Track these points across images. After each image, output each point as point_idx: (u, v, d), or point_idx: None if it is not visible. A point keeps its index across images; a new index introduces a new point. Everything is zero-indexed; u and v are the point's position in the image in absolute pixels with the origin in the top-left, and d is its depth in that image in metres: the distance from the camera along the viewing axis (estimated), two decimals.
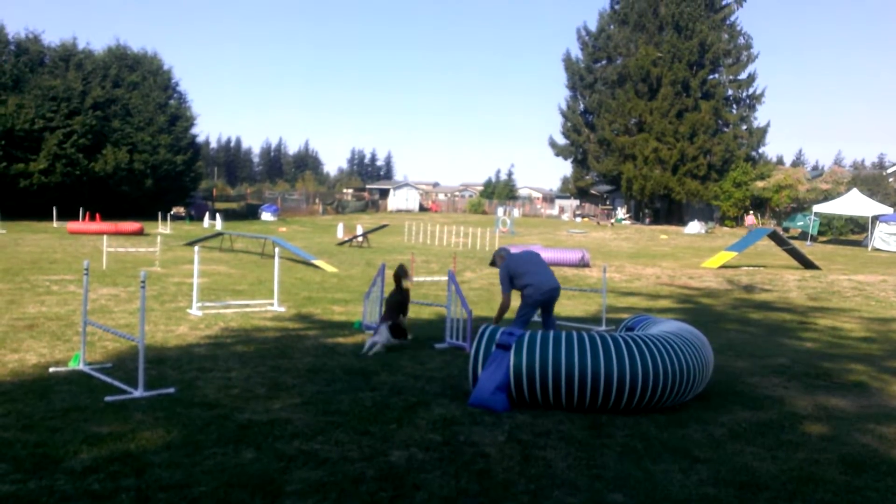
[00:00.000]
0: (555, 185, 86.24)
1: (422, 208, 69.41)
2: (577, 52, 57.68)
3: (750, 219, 37.42)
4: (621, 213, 55.80)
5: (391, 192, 70.87)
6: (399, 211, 64.57)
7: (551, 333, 6.10)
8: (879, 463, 4.97)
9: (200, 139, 51.97)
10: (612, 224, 51.07)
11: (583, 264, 20.39)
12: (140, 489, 4.03)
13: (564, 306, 12.71)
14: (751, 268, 22.02)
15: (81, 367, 6.76)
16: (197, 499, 3.92)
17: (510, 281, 8.27)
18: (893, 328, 11.43)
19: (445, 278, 8.90)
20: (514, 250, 21.83)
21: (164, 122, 43.05)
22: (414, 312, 11.29)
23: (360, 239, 27.82)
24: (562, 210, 65.71)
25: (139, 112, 42.50)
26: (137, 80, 43.38)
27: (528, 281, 8.23)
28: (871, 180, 44.72)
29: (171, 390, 6.07)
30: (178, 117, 44.40)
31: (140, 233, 28.65)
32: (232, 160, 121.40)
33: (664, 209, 54.99)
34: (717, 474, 4.63)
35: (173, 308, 10.77)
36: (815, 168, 66.77)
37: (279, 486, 4.14)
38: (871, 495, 4.38)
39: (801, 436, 5.54)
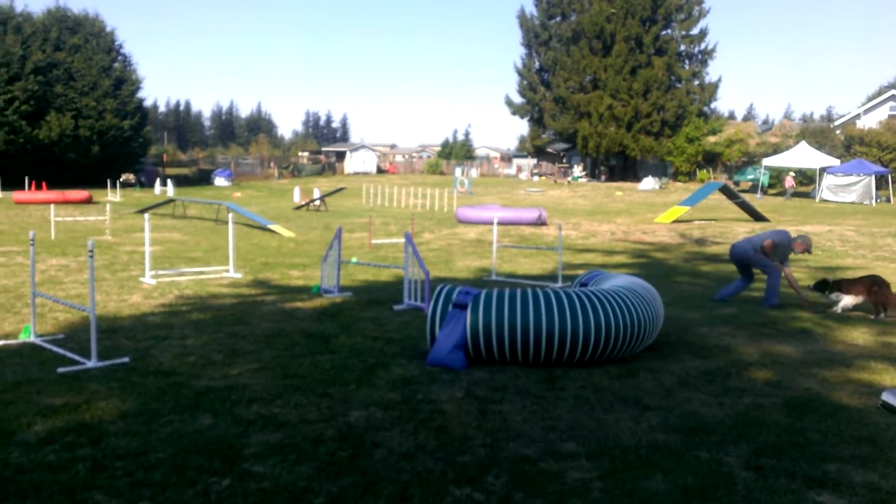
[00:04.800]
0: (512, 144, 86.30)
1: (379, 170, 68.85)
2: (531, 9, 57.30)
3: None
4: (578, 170, 56.16)
5: (348, 154, 70.10)
6: (356, 173, 63.98)
7: (507, 291, 6.18)
8: (820, 405, 5.20)
9: (148, 103, 50.70)
10: (568, 182, 51.42)
11: (540, 223, 20.55)
12: (96, 458, 4.01)
13: (521, 264, 12.85)
14: (703, 221, 22.48)
15: (32, 339, 6.64)
16: (154, 466, 3.93)
17: None
18: (838, 276, 11.82)
19: (404, 240, 8.95)
20: (472, 210, 21.86)
21: (108, 86, 41.65)
22: (372, 275, 11.32)
23: (317, 203, 27.56)
24: (519, 169, 65.81)
25: (82, 76, 41.04)
26: (79, 42, 41.77)
27: None
28: (819, 133, 45.63)
29: (126, 360, 6.01)
30: (123, 81, 42.99)
31: (88, 201, 27.91)
32: (182, 124, 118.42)
33: (619, 166, 55.52)
34: (667, 421, 4.80)
35: (126, 277, 10.59)
36: (765, 122, 67.93)
37: (237, 450, 4.17)
38: (813, 436, 4.58)
39: (747, 382, 5.75)
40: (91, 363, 5.84)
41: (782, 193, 37.84)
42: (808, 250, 9.44)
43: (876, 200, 34.16)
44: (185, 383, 5.42)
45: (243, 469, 3.90)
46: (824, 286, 8.90)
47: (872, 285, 8.61)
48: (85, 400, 5.01)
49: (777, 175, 41.97)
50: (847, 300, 8.71)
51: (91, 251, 5.99)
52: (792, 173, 38.20)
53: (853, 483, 3.89)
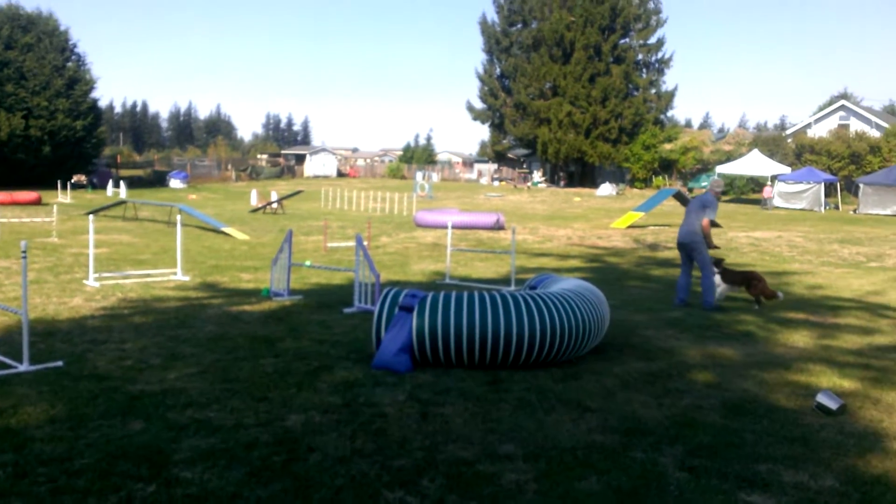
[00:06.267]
0: (474, 149, 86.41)
1: (340, 174, 68.39)
2: (493, 16, 57.57)
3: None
4: (537, 176, 56.54)
5: (308, 157, 69.39)
6: (316, 177, 63.43)
7: (453, 294, 6.16)
8: (758, 406, 5.27)
9: (103, 103, 49.66)
10: (528, 187, 51.75)
11: (498, 227, 20.62)
12: (18, 464, 3.87)
13: (477, 268, 12.86)
14: (656, 227, 22.80)
15: None
16: (78, 472, 3.80)
17: None
18: (784, 280, 12.09)
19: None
20: (430, 214, 21.78)
21: (61, 85, 40.72)
22: (325, 278, 11.21)
23: (274, 206, 27.28)
24: (480, 174, 66.03)
25: (34, 75, 40.06)
26: (32, 41, 40.77)
27: None
28: (771, 141, 46.67)
29: (59, 363, 5.83)
30: (76, 80, 42.06)
31: (38, 202, 27.24)
32: (138, 125, 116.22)
33: (578, 172, 56.03)
34: (606, 422, 4.82)
35: (68, 279, 10.32)
36: (720, 130, 69.22)
37: (167, 455, 4.06)
38: (748, 436, 4.64)
39: (687, 383, 5.81)
40: (23, 367, 5.65)
41: (761, 202, 37.10)
42: (720, 190, 9.78)
43: (825, 207, 35.07)
44: (118, 388, 5.27)
45: (171, 475, 3.80)
46: (718, 264, 9.48)
47: (752, 279, 9.35)
48: (12, 404, 4.84)
49: (730, 182, 42.78)
50: (723, 288, 9.40)
51: (24, 252, 5.81)
52: (769, 183, 38.11)
53: (783, 483, 3.95)
